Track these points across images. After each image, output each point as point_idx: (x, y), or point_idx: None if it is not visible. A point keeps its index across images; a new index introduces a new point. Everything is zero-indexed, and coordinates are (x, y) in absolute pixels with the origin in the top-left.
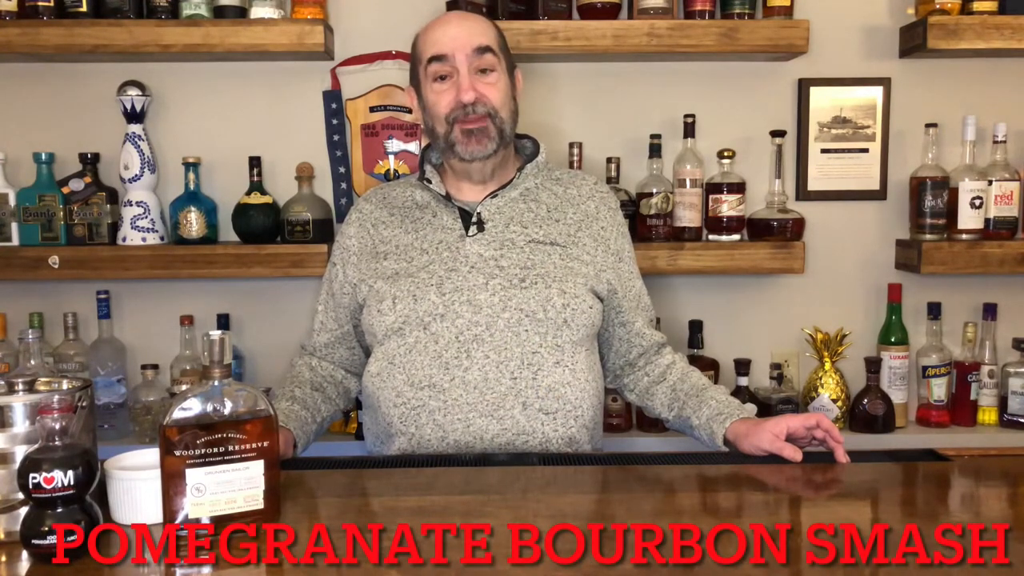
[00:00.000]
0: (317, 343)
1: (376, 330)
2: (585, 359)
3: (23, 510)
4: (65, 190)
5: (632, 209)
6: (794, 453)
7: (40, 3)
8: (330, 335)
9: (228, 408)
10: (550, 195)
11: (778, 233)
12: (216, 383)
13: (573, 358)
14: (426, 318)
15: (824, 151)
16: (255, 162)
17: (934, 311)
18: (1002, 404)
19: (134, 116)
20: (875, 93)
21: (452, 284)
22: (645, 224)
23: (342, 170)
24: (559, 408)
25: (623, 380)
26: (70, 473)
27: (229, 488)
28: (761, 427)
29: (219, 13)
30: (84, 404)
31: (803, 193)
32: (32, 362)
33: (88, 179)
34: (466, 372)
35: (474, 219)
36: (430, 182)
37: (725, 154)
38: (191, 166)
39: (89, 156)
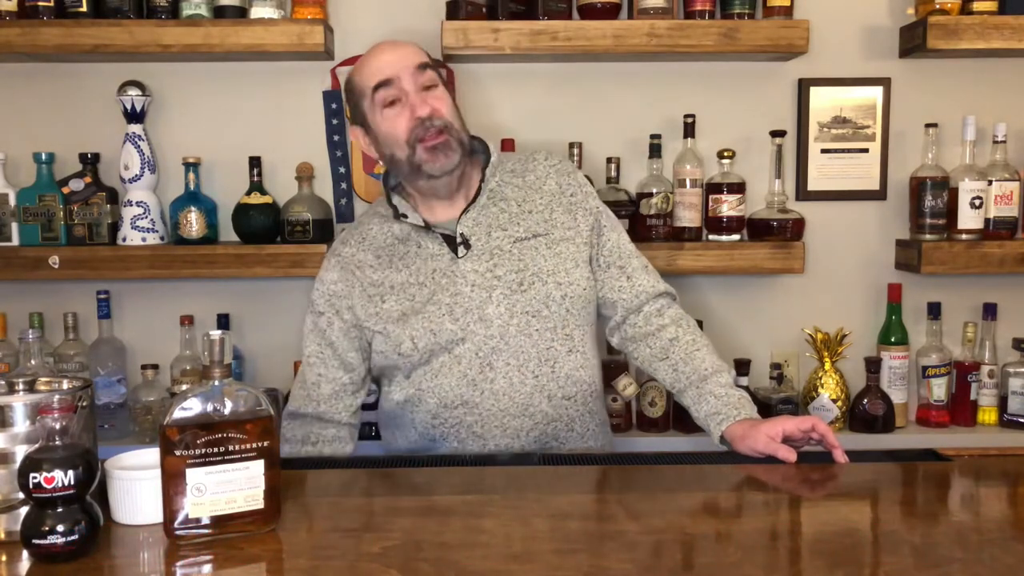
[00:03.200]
0: (320, 396)
1: (401, 369)
2: (590, 336)
3: (23, 510)
4: (65, 190)
5: (632, 209)
6: (788, 454)
7: (40, 3)
8: (334, 384)
9: (228, 408)
10: (513, 189)
11: (778, 233)
12: (216, 383)
13: (582, 341)
14: (449, 345)
15: (824, 151)
16: (255, 162)
17: (934, 311)
18: (1002, 404)
19: (134, 116)
20: (875, 93)
21: (462, 308)
22: (645, 224)
23: (342, 170)
24: (578, 391)
25: (627, 345)
26: (70, 473)
27: (229, 488)
28: (757, 429)
29: (219, 13)
30: (84, 404)
31: (803, 193)
32: (32, 362)
33: (88, 179)
34: (492, 384)
35: (459, 240)
36: (406, 217)
37: (725, 154)
38: (191, 166)
39: (89, 156)
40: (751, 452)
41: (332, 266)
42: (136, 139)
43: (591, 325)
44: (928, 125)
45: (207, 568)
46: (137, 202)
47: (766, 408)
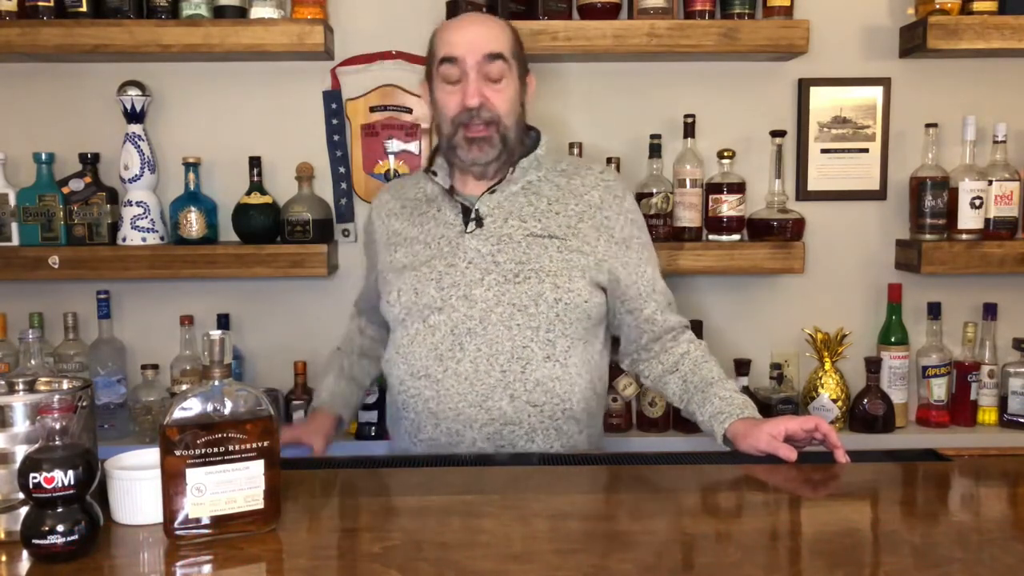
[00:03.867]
0: (363, 306)
1: (388, 319)
2: (581, 353)
3: (23, 510)
4: (65, 190)
5: None
6: (789, 453)
7: (40, 3)
8: (368, 303)
9: (228, 408)
10: (552, 187)
11: (778, 233)
12: (216, 383)
13: (566, 353)
14: (425, 311)
15: (824, 151)
16: (255, 162)
17: (934, 311)
18: (1002, 404)
19: (134, 116)
20: (875, 93)
21: (450, 279)
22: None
23: (342, 170)
24: (546, 401)
25: (639, 366)
26: (70, 473)
27: (229, 488)
28: (760, 427)
29: (219, 13)
30: (84, 404)
31: (803, 193)
32: (32, 362)
33: (88, 179)
34: (459, 364)
35: (472, 215)
36: (436, 174)
37: (725, 154)
38: (191, 166)
39: (89, 156)
40: (752, 450)
41: (374, 207)
42: (136, 139)
43: (583, 343)
44: (928, 125)
45: (207, 568)
46: (137, 202)
47: (766, 408)
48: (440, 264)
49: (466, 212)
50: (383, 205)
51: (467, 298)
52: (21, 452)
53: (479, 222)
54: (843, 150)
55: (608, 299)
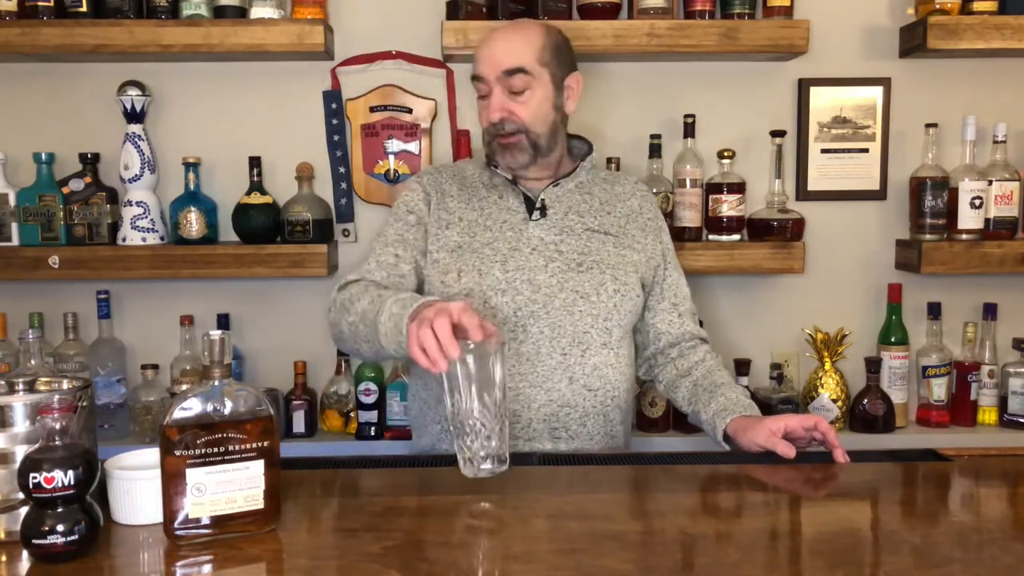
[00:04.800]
0: (401, 270)
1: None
2: (627, 346)
3: (23, 510)
4: (65, 190)
5: None
6: (787, 450)
7: (40, 3)
8: (409, 267)
9: (228, 408)
10: (601, 190)
11: (778, 233)
12: (216, 383)
13: (619, 342)
14: (488, 292)
15: (824, 151)
16: (255, 162)
17: (934, 311)
18: (1002, 404)
19: (134, 116)
20: (875, 93)
21: (515, 263)
22: None
23: (342, 170)
24: (600, 386)
25: (655, 371)
26: (70, 473)
27: (229, 488)
28: (760, 423)
29: (219, 13)
30: (84, 404)
31: (803, 193)
32: (32, 362)
33: (88, 179)
34: (520, 345)
35: (538, 204)
36: (496, 166)
37: (725, 154)
38: (191, 166)
39: (89, 156)
40: (752, 445)
41: (424, 181)
42: (136, 139)
43: (629, 339)
44: (928, 125)
45: (207, 568)
46: (137, 202)
47: (766, 408)
48: (504, 247)
49: (528, 202)
50: (438, 184)
51: (531, 282)
52: (21, 452)
53: (543, 211)
54: (843, 150)
55: (644, 298)
